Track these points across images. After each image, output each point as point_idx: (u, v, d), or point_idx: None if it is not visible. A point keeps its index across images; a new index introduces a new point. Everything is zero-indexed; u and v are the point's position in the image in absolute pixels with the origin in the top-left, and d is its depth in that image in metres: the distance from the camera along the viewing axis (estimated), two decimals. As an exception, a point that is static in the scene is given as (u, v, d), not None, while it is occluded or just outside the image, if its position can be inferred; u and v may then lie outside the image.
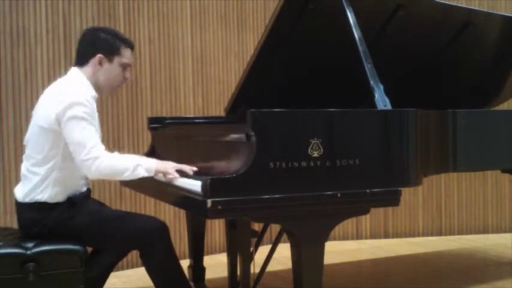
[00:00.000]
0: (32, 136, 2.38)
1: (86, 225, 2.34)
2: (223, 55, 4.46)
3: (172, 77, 4.21)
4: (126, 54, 2.44)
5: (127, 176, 2.27)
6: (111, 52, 2.39)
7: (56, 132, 2.27)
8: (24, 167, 2.41)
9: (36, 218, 2.32)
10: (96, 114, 2.35)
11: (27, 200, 2.34)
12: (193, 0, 4.30)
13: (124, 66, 2.44)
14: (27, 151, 2.40)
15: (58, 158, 2.31)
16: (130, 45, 2.46)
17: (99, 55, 2.38)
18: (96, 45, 2.39)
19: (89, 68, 2.40)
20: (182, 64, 4.26)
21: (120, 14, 3.96)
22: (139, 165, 2.28)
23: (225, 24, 4.46)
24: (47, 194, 2.32)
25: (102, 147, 2.28)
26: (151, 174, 2.31)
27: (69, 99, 2.24)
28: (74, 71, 2.43)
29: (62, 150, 2.30)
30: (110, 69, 2.41)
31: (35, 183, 2.33)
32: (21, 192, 2.38)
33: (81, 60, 2.41)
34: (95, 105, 2.33)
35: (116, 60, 2.41)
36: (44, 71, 3.65)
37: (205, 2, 4.35)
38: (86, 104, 2.26)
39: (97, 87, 2.42)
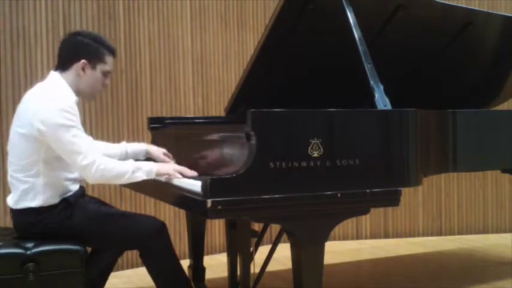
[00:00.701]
0: (14, 143, 2.34)
1: (84, 225, 2.33)
2: (223, 55, 4.46)
3: (172, 77, 4.21)
4: (109, 62, 2.42)
5: (127, 178, 2.27)
6: (95, 59, 2.37)
7: (37, 139, 2.24)
8: (9, 175, 2.37)
9: (32, 221, 2.30)
10: (79, 119, 2.31)
11: (19, 206, 2.32)
12: (193, 0, 4.30)
13: (105, 74, 2.42)
14: (10, 158, 2.36)
15: (40, 164, 2.28)
16: (113, 53, 2.44)
17: (83, 61, 2.35)
18: (80, 50, 2.35)
19: (71, 73, 2.36)
20: (182, 64, 4.26)
21: (120, 14, 3.96)
22: (139, 169, 2.29)
23: (225, 24, 4.46)
24: (39, 200, 2.29)
25: (97, 151, 2.31)
26: (152, 177, 2.33)
27: (53, 107, 2.21)
28: (54, 75, 2.38)
29: (43, 156, 2.27)
30: (92, 76, 2.38)
31: (23, 190, 2.29)
32: (12, 199, 2.36)
33: (63, 65, 2.38)
34: (77, 110, 2.30)
35: (99, 67, 2.39)
36: (44, 71, 3.65)
37: (205, 2, 4.35)
38: (71, 110, 2.24)
39: (77, 92, 2.39)
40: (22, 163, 2.30)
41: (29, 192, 2.29)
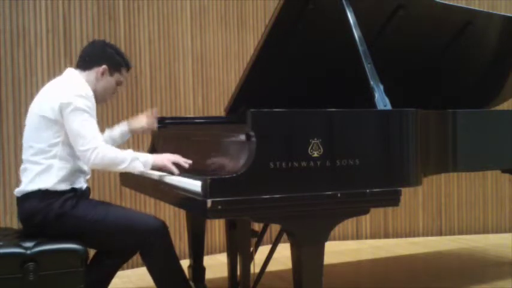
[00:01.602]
0: (31, 127, 2.43)
1: (86, 217, 2.36)
2: (223, 55, 4.46)
3: (172, 77, 4.21)
4: (124, 74, 2.64)
5: (124, 167, 2.37)
6: (114, 67, 2.57)
7: (59, 123, 2.36)
8: (23, 160, 2.44)
9: (40, 206, 2.33)
10: (95, 109, 2.44)
11: (29, 188, 2.36)
12: (193, 0, 4.30)
13: (118, 83, 2.62)
14: (26, 142, 2.44)
15: (58, 147, 2.38)
16: (129, 68, 2.67)
17: (105, 66, 2.53)
18: (104, 57, 2.55)
19: (90, 74, 2.53)
20: (182, 64, 4.26)
21: (120, 14, 3.96)
22: (137, 159, 2.39)
23: (225, 24, 4.46)
24: (50, 182, 2.35)
25: (101, 138, 2.40)
26: (148, 168, 2.42)
27: (74, 91, 2.36)
28: (73, 72, 2.53)
29: (62, 139, 2.38)
30: (108, 81, 2.57)
31: (38, 171, 2.36)
32: (22, 185, 2.40)
33: (85, 65, 2.54)
34: (94, 102, 2.43)
35: (116, 76, 2.59)
36: (44, 71, 3.66)
37: (205, 2, 4.35)
38: (89, 98, 2.40)
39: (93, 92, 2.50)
40: (41, 146, 2.38)
41: (42, 173, 2.36)
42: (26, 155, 2.44)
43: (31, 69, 3.63)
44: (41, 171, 2.36)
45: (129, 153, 2.39)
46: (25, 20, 3.61)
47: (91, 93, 2.43)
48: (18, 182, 2.49)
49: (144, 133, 2.97)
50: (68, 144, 2.38)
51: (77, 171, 2.44)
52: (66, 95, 2.35)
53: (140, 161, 2.39)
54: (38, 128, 2.40)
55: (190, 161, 2.42)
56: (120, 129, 2.86)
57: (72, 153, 2.39)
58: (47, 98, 2.41)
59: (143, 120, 2.88)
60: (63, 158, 2.38)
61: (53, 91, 2.43)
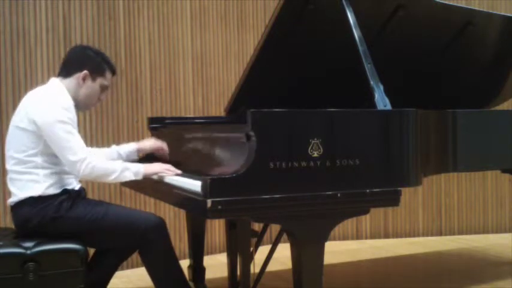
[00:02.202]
0: (12, 138, 2.41)
1: (83, 217, 2.35)
2: (223, 55, 4.46)
3: (172, 77, 4.21)
4: (108, 78, 2.54)
5: (115, 177, 2.36)
6: (96, 72, 2.48)
7: (34, 134, 2.32)
8: (8, 171, 2.42)
9: (31, 211, 2.32)
10: (76, 120, 2.40)
11: (19, 198, 2.35)
12: (193, 0, 4.30)
13: (103, 88, 2.53)
14: (9, 153, 2.41)
15: (38, 157, 2.35)
16: (114, 71, 2.57)
17: (85, 71, 2.45)
18: (85, 61, 2.47)
19: (71, 81, 2.46)
20: (182, 64, 4.26)
21: (120, 14, 3.96)
22: (127, 169, 2.38)
23: (225, 24, 4.46)
24: (39, 189, 2.33)
25: (88, 150, 2.40)
26: (140, 177, 2.41)
27: (52, 103, 2.32)
28: (55, 81, 2.47)
29: (41, 150, 2.34)
30: (91, 87, 2.48)
31: (25, 180, 2.34)
32: (12, 194, 2.39)
33: (66, 72, 2.47)
34: (75, 113, 2.40)
35: (99, 80, 2.49)
36: (44, 71, 3.65)
37: (205, 2, 4.35)
38: (69, 109, 2.35)
39: (74, 100, 2.46)
40: (21, 156, 2.35)
41: (30, 181, 2.34)
42: (8, 165, 2.41)
43: (31, 69, 3.62)
44: (27, 180, 2.34)
45: (118, 164, 2.40)
46: (25, 20, 3.61)
47: (71, 104, 2.38)
48: (8, 193, 2.48)
49: (151, 150, 2.87)
50: (47, 154, 2.34)
51: (63, 173, 2.41)
52: (45, 107, 2.31)
53: (131, 171, 2.38)
54: (16, 138, 2.37)
55: (179, 172, 2.40)
56: (128, 146, 2.82)
57: (52, 160, 2.36)
58: (25, 110, 2.37)
59: (151, 141, 2.85)
60: (45, 166, 2.35)
61: (32, 102, 2.38)
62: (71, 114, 2.34)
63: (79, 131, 2.42)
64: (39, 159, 2.34)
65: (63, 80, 2.46)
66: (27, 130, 2.33)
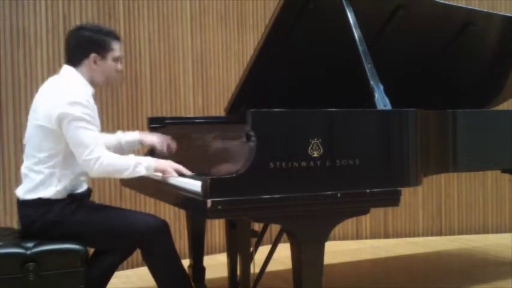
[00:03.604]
0: (32, 135, 2.39)
1: (86, 220, 2.36)
2: (223, 55, 4.46)
3: (172, 77, 4.21)
4: (116, 47, 2.48)
5: (128, 174, 2.34)
6: (103, 50, 2.43)
7: (57, 132, 2.31)
8: (24, 166, 2.42)
9: (37, 213, 2.33)
10: (96, 111, 2.39)
11: (28, 197, 2.35)
12: (193, 0, 4.30)
13: (116, 60, 2.48)
14: (28, 150, 2.41)
15: (60, 156, 2.35)
16: (117, 38, 2.50)
17: (93, 55, 2.42)
18: (87, 45, 2.42)
19: (83, 67, 2.43)
20: (182, 64, 4.26)
21: (120, 14, 3.96)
22: (140, 164, 2.35)
23: (225, 24, 4.46)
24: (50, 192, 2.34)
25: (103, 146, 2.35)
26: (151, 172, 2.38)
27: (70, 100, 2.29)
28: (69, 70, 2.44)
29: (63, 149, 2.34)
30: (105, 66, 2.45)
31: (39, 181, 2.35)
32: (23, 190, 2.39)
33: (74, 61, 2.44)
34: (94, 104, 2.38)
35: (109, 55, 2.45)
36: (44, 71, 3.65)
37: (205, 2, 4.35)
38: (87, 104, 2.32)
39: (94, 84, 2.47)
40: (42, 155, 2.35)
41: (44, 183, 2.34)
42: (28, 162, 2.40)
43: (31, 69, 3.62)
44: (42, 181, 2.34)
45: (131, 159, 2.37)
46: (25, 20, 3.61)
47: (88, 95, 2.37)
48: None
49: (152, 145, 2.84)
50: (69, 152, 2.33)
51: (78, 176, 2.42)
52: (62, 104, 2.28)
53: (143, 166, 2.35)
54: (37, 137, 2.36)
55: (191, 173, 2.37)
56: (131, 135, 2.81)
57: (73, 160, 2.35)
58: (45, 106, 2.35)
59: (155, 136, 2.82)
60: (64, 167, 2.36)
61: (50, 98, 2.35)
62: (86, 108, 2.30)
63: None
64: (60, 158, 2.34)
65: (76, 69, 2.43)
66: (45, 128, 2.32)
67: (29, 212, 2.35)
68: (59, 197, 2.35)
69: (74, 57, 2.44)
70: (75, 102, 2.28)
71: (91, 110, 2.33)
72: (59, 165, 2.35)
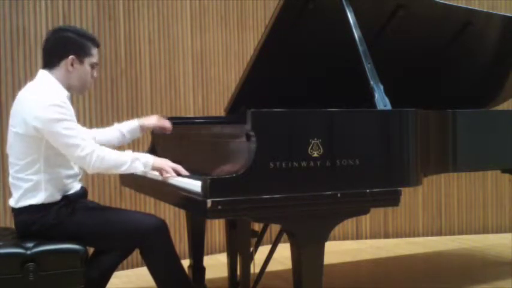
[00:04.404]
0: (12, 143, 2.36)
1: (84, 221, 2.35)
2: (223, 55, 4.46)
3: (172, 77, 4.21)
4: (95, 54, 2.44)
5: (125, 169, 2.32)
6: (82, 53, 2.39)
7: (34, 138, 2.27)
8: (11, 176, 2.38)
9: (33, 218, 2.31)
10: (73, 113, 2.32)
11: (20, 205, 2.33)
12: (193, 0, 4.30)
13: (93, 66, 2.44)
14: (11, 159, 2.38)
15: (41, 161, 2.30)
16: (97, 44, 2.47)
17: (71, 56, 2.36)
18: (67, 46, 2.37)
19: (59, 69, 2.38)
20: (182, 64, 4.26)
21: (120, 14, 3.96)
22: (137, 159, 2.34)
23: (225, 24, 4.46)
24: (40, 197, 2.31)
25: (92, 141, 2.34)
26: (149, 169, 2.37)
27: (45, 103, 2.23)
28: (43, 73, 2.39)
29: (43, 154, 2.30)
30: (81, 70, 2.40)
31: (25, 189, 2.31)
32: (13, 200, 2.37)
33: (51, 62, 2.39)
34: (70, 105, 2.32)
35: (87, 60, 2.41)
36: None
37: (205, 2, 4.35)
38: (63, 105, 2.26)
39: (68, 87, 2.41)
40: (22, 163, 2.31)
41: (31, 190, 2.31)
42: (12, 171, 2.37)
43: (31, 69, 3.62)
44: (29, 188, 2.30)
45: (129, 154, 2.34)
46: (25, 20, 3.61)
47: (64, 97, 2.30)
48: (8, 194, 2.48)
49: (154, 127, 2.83)
50: (50, 155, 2.30)
51: (66, 178, 2.39)
52: (37, 109, 2.23)
53: (141, 162, 2.34)
54: (16, 145, 2.32)
55: (187, 173, 2.36)
56: (130, 123, 2.78)
57: (55, 162, 2.32)
58: (19, 113, 2.30)
59: (154, 118, 2.81)
60: (48, 171, 2.31)
61: (24, 105, 2.29)
62: (66, 109, 2.25)
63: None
64: (41, 164, 2.30)
65: (52, 71, 2.37)
66: (26, 136, 2.27)
67: (24, 218, 2.33)
68: (51, 200, 2.32)
69: (51, 59, 2.38)
70: (50, 105, 2.22)
71: (68, 109, 2.27)
72: (42, 170, 2.30)
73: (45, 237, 2.30)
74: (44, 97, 2.26)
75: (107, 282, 2.57)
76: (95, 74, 2.47)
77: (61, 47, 2.37)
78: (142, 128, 2.80)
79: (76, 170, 2.46)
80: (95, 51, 2.44)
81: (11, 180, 2.38)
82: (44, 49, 2.43)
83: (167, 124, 2.80)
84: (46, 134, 2.24)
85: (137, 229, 2.35)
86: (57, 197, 2.34)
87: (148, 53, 4.10)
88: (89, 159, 2.24)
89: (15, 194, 2.36)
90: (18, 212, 2.36)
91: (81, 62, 2.39)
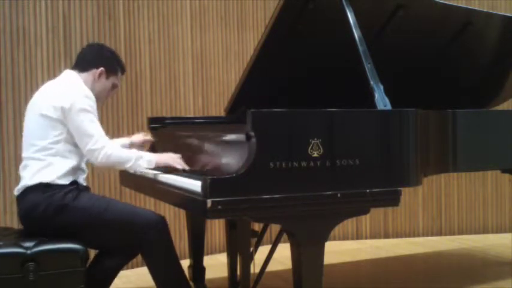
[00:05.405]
0: (32, 126, 2.47)
1: (86, 209, 2.38)
2: (223, 55, 4.46)
3: (172, 77, 4.21)
4: (119, 77, 2.72)
5: (130, 166, 2.45)
6: (111, 71, 2.64)
7: (61, 121, 2.41)
8: (24, 158, 2.48)
9: (39, 198, 2.36)
10: (97, 112, 2.50)
11: (30, 183, 2.39)
12: (193, 0, 4.30)
13: (114, 86, 2.69)
14: (28, 140, 2.47)
15: (60, 144, 2.43)
16: (124, 72, 2.76)
17: (102, 68, 2.60)
18: (101, 59, 2.62)
19: (88, 75, 2.59)
20: (182, 64, 4.26)
21: (120, 14, 3.96)
22: (141, 157, 2.47)
23: (225, 24, 4.46)
24: (52, 176, 2.39)
25: (107, 138, 2.47)
26: (153, 166, 2.49)
27: (82, 93, 2.44)
28: (72, 74, 2.59)
29: (64, 138, 2.43)
30: (104, 84, 2.63)
31: (39, 167, 2.41)
32: (24, 178, 2.43)
33: (83, 67, 2.60)
34: (96, 103, 2.51)
35: (111, 79, 2.65)
36: (44, 71, 3.65)
37: (205, 2, 4.35)
38: (92, 98, 2.47)
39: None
40: (44, 143, 2.42)
41: (45, 168, 2.40)
42: (27, 152, 2.47)
43: (31, 69, 3.62)
44: (42, 167, 2.41)
45: (133, 152, 2.49)
46: (25, 20, 3.61)
47: (92, 94, 2.49)
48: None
49: (143, 146, 2.98)
50: (69, 142, 2.44)
51: (76, 169, 2.48)
52: (69, 95, 2.41)
53: (145, 160, 2.46)
54: (40, 126, 2.44)
55: (187, 167, 2.50)
56: (121, 141, 2.90)
57: (72, 150, 2.45)
58: (48, 98, 2.45)
59: (140, 136, 2.97)
60: (64, 156, 2.43)
61: (54, 91, 2.47)
62: (93, 103, 2.45)
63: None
64: (61, 147, 2.43)
65: (80, 74, 2.58)
66: (52, 118, 2.40)
67: (31, 197, 2.38)
68: (60, 182, 2.40)
69: (84, 63, 2.60)
70: (86, 96, 2.43)
71: (95, 104, 2.47)
72: (59, 153, 2.42)
73: (47, 223, 2.32)
74: (80, 88, 2.47)
75: (109, 286, 2.57)
76: (111, 94, 2.74)
77: (97, 57, 2.62)
78: (132, 144, 2.93)
79: (84, 167, 2.56)
80: (120, 76, 2.72)
81: (25, 163, 2.47)
82: (81, 52, 2.67)
83: (147, 138, 2.99)
84: (70, 120, 2.40)
85: (138, 222, 2.39)
86: (67, 180, 2.43)
87: (148, 53, 4.10)
88: (97, 153, 2.39)
89: (27, 174, 2.43)
90: (25, 192, 2.41)
91: (107, 77, 2.63)
